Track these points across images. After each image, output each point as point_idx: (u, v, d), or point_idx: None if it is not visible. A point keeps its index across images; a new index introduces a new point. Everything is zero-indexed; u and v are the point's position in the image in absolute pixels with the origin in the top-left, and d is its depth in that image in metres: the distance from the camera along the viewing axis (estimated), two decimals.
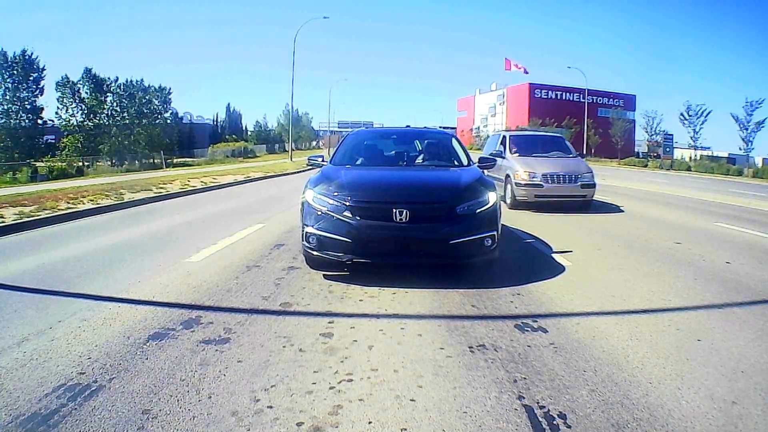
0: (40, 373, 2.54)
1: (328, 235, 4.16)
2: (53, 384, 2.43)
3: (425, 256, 4.25)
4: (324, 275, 4.49)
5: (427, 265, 4.49)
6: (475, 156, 6.13)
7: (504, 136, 11.44)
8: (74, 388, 2.39)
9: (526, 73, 68.53)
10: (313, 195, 4.41)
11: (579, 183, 9.63)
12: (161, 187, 13.16)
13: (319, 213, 4.28)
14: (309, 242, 4.31)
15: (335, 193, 4.31)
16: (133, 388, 2.39)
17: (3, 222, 7.21)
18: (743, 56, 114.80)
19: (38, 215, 7.90)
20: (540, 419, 2.17)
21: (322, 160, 5.84)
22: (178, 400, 2.29)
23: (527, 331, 3.24)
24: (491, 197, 4.41)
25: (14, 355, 2.77)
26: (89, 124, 43.54)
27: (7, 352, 2.80)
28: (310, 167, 7.24)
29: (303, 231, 4.37)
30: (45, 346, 2.90)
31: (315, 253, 4.30)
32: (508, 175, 10.13)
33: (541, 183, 9.47)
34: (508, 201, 9.94)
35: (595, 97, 63.44)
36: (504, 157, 10.37)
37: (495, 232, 4.28)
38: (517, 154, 10.38)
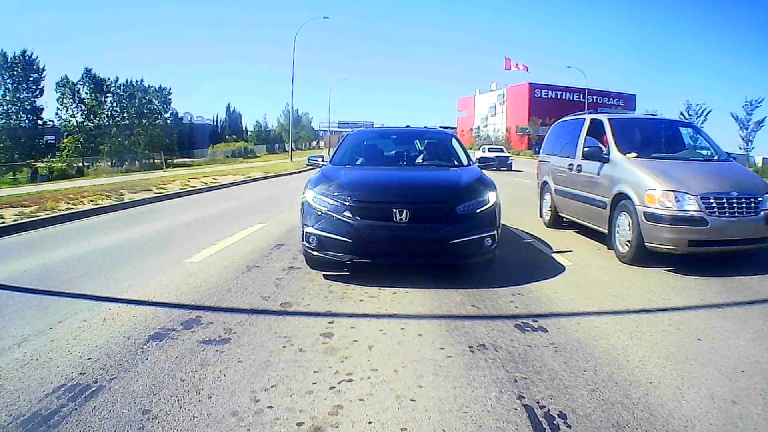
0: (40, 374, 2.54)
1: (328, 235, 4.17)
2: (53, 384, 2.43)
3: (425, 256, 4.25)
4: (324, 275, 4.49)
5: (427, 265, 4.49)
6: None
7: (599, 123, 6.35)
8: (74, 388, 2.39)
9: (527, 70, 68.53)
10: (313, 195, 4.41)
11: (761, 213, 4.88)
12: (161, 188, 13.17)
13: (319, 213, 4.28)
14: (309, 242, 4.31)
15: (335, 193, 4.31)
16: (134, 389, 2.39)
17: (3, 222, 7.21)
18: (743, 56, 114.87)
19: (38, 216, 7.90)
20: (540, 419, 2.17)
21: (322, 160, 5.85)
22: (178, 401, 2.29)
23: (527, 330, 3.24)
24: (491, 197, 4.41)
25: (14, 355, 2.77)
26: (89, 124, 43.54)
27: (7, 353, 2.80)
28: (310, 167, 7.23)
29: (303, 231, 4.37)
30: (45, 346, 2.90)
31: (315, 253, 4.30)
32: (622, 196, 5.32)
33: (701, 216, 4.71)
34: (622, 248, 5.26)
35: (595, 97, 63.40)
36: (606, 160, 5.80)
37: (495, 232, 4.28)
38: (635, 155, 5.56)
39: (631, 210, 5.12)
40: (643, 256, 5.01)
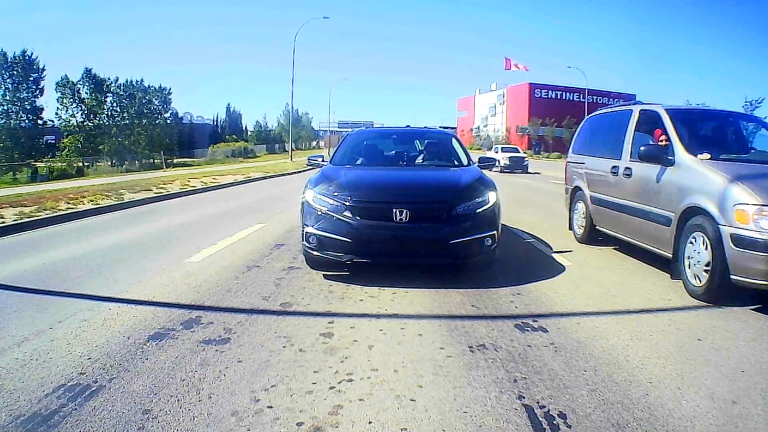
0: (40, 374, 2.54)
1: (328, 235, 4.16)
2: (53, 384, 2.43)
3: (425, 256, 4.25)
4: (324, 275, 4.49)
5: (427, 265, 4.49)
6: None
7: (653, 115, 5.16)
8: (74, 388, 2.39)
9: (527, 70, 68.52)
10: (313, 195, 4.41)
11: None
12: (161, 188, 13.17)
13: (319, 213, 4.28)
14: (309, 242, 4.31)
15: (335, 193, 4.31)
16: (134, 389, 2.39)
17: (3, 222, 7.21)
18: (743, 56, 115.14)
19: (38, 215, 7.90)
20: (540, 419, 2.17)
21: (322, 160, 5.85)
22: (178, 400, 2.28)
23: (527, 330, 3.24)
24: (491, 197, 4.41)
25: (14, 355, 2.77)
26: (89, 124, 43.57)
27: (7, 353, 2.80)
28: (310, 167, 7.22)
29: (303, 231, 4.37)
30: (45, 346, 2.89)
31: (315, 253, 4.30)
32: (696, 210, 4.14)
33: None
34: (695, 281, 4.07)
35: (595, 97, 63.44)
36: (670, 162, 4.60)
37: (495, 232, 4.28)
38: (708, 156, 4.41)
39: (709, 230, 3.90)
40: (726, 291, 3.83)
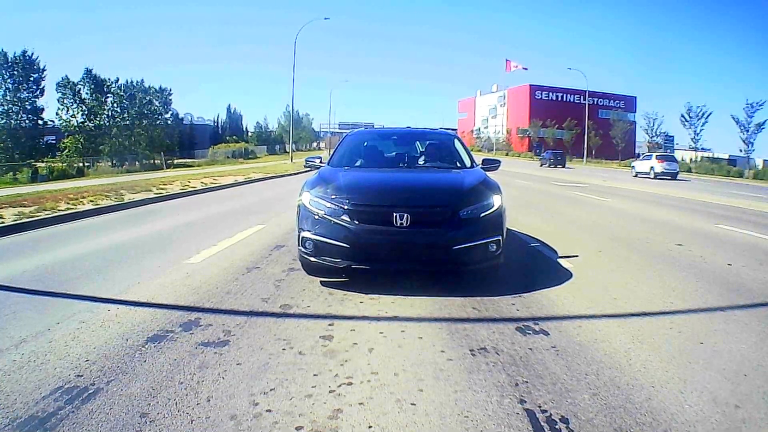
0: (37, 376, 2.52)
1: (325, 240, 3.99)
2: (51, 386, 2.41)
3: (427, 263, 4.06)
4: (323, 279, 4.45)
5: (428, 271, 4.36)
6: None
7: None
8: (72, 390, 2.37)
9: (525, 69, 68.38)
10: (310, 198, 4.24)
11: None
12: (161, 188, 13.15)
13: (316, 217, 4.10)
14: (305, 247, 4.13)
15: (333, 196, 4.13)
16: (131, 391, 2.37)
17: (3, 222, 7.19)
18: (743, 56, 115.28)
19: (38, 216, 7.89)
20: (542, 423, 2.15)
21: (320, 162, 5.62)
22: (176, 403, 2.26)
23: (529, 334, 3.22)
24: (496, 200, 4.23)
25: (12, 357, 2.75)
26: (90, 124, 43.46)
27: (4, 354, 2.78)
28: (308, 169, 7.15)
29: (299, 235, 4.19)
30: (43, 348, 2.88)
31: (312, 258, 4.12)
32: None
33: None
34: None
35: (595, 99, 63.58)
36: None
37: (500, 237, 4.11)
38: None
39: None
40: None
